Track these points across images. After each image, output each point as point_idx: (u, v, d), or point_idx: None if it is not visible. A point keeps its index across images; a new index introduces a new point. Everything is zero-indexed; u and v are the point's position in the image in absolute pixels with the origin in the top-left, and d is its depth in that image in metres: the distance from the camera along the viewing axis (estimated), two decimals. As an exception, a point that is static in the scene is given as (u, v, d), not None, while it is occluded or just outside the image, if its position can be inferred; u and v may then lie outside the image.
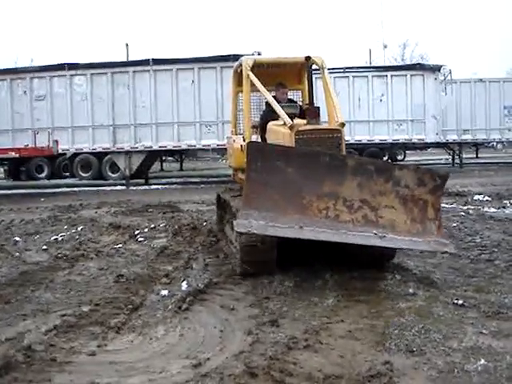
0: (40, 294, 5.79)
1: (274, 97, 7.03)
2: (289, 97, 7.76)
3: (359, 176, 5.52)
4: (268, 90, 6.99)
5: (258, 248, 5.80)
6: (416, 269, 6.29)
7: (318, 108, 6.42)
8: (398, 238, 5.53)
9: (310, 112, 6.42)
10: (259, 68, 7.35)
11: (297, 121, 6.47)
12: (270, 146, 5.96)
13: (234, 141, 7.93)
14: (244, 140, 7.36)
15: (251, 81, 7.10)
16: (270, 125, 7.01)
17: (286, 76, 7.84)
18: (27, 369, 3.84)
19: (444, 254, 6.89)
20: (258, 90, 7.02)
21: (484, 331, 4.38)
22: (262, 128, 7.39)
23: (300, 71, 8.03)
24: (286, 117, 6.31)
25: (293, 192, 5.47)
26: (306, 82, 6.91)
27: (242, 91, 7.67)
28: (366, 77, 21.64)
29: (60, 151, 19.95)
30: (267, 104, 7.29)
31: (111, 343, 4.36)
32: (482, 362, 3.79)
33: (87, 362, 4.00)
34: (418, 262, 6.58)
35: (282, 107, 6.56)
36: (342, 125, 6.34)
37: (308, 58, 7.02)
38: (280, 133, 6.48)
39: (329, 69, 6.61)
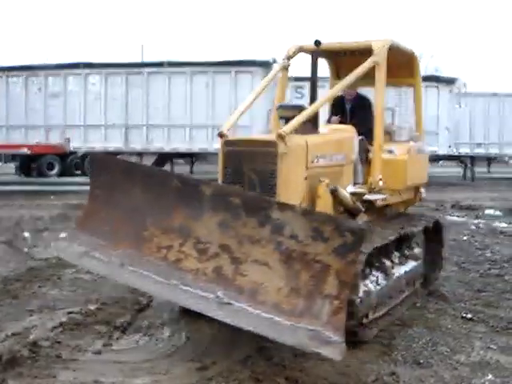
0: (47, 290, 5.82)
1: (342, 95, 6.08)
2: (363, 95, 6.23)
3: (222, 212, 3.92)
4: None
5: None
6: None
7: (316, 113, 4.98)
8: (249, 311, 3.57)
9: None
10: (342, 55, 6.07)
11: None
12: (115, 160, 4.93)
13: None
14: None
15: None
16: None
17: (390, 68, 5.63)
18: (32, 364, 3.85)
19: (453, 267, 6.87)
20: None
21: (492, 346, 4.36)
22: None
23: (410, 62, 6.40)
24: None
25: (137, 220, 4.28)
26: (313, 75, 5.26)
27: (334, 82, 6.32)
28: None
29: (72, 149, 20.04)
30: (335, 100, 6.19)
31: (117, 343, 4.36)
32: (490, 377, 3.77)
33: (92, 361, 4.00)
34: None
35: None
36: (280, 137, 4.37)
37: (318, 44, 5.17)
38: None
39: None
